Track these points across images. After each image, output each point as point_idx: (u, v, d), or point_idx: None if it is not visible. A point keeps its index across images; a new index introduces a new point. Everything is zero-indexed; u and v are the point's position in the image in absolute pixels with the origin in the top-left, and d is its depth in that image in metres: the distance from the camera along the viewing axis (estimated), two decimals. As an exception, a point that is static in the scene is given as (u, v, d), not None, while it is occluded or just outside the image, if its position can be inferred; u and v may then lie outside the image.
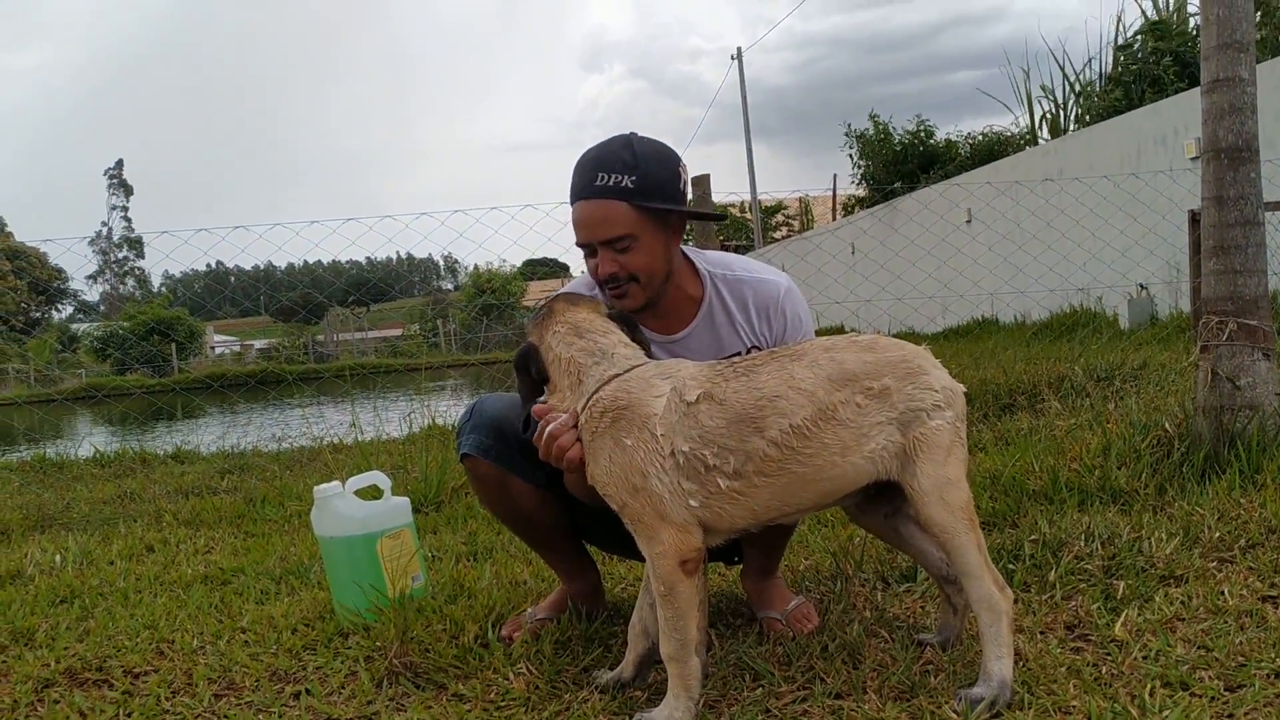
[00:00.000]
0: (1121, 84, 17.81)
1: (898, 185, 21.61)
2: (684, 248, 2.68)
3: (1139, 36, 18.45)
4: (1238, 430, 3.57)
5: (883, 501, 2.40)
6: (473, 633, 2.70)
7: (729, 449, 2.10)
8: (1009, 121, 26.63)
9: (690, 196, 2.72)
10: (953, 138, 25.89)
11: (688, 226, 2.78)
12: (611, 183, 2.42)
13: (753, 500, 2.13)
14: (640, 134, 2.55)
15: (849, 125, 27.41)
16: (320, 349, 44.40)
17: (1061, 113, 21.30)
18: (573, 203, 2.50)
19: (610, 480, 2.15)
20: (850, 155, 27.23)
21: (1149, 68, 17.22)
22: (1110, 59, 19.80)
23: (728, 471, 2.11)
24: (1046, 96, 21.69)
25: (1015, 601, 2.66)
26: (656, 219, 2.48)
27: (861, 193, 27.56)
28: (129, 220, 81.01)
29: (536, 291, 51.91)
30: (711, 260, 2.74)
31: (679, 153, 2.59)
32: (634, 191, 2.43)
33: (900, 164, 25.42)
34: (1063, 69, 21.87)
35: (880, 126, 26.44)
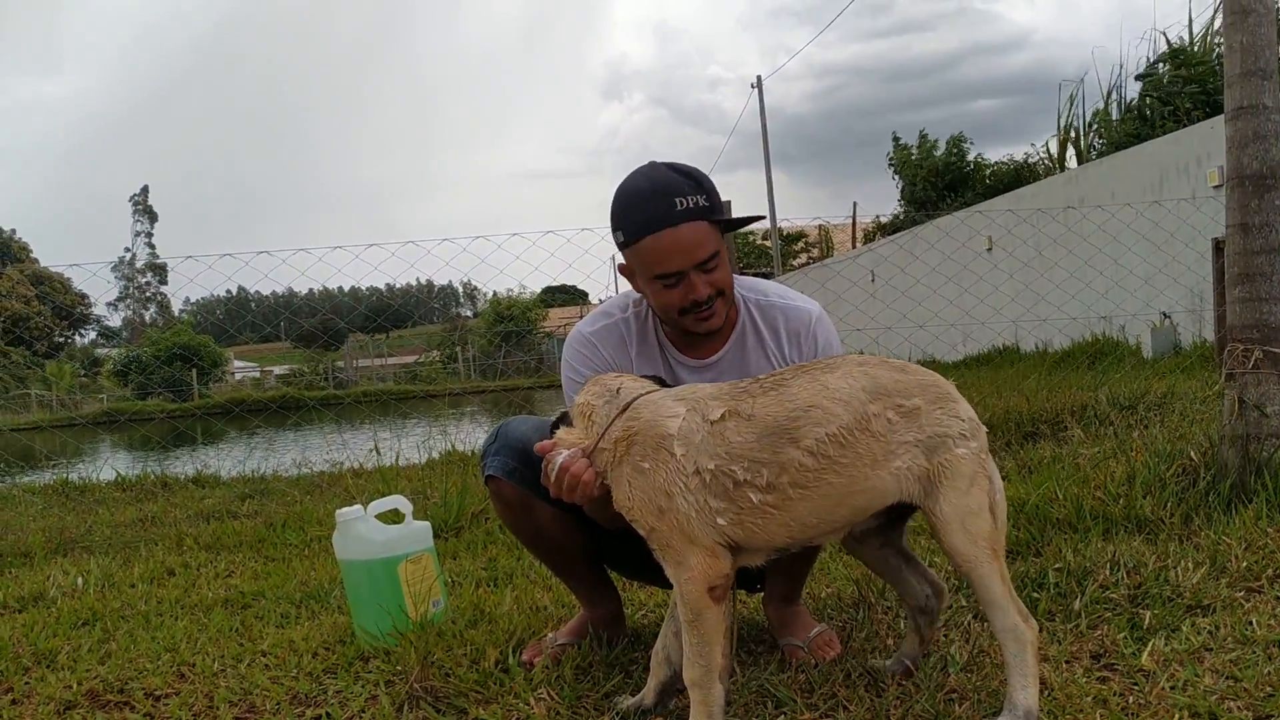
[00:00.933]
0: (1142, 114, 17.81)
1: (942, 206, 21.69)
2: None
3: (1161, 65, 18.45)
4: (1264, 459, 3.53)
5: (878, 532, 2.41)
6: (493, 657, 2.69)
7: (761, 462, 2.09)
8: (1028, 149, 26.74)
9: None
10: (983, 159, 26.07)
11: None
12: (692, 205, 2.40)
13: (787, 514, 2.11)
14: (658, 160, 2.54)
15: (896, 139, 27.66)
16: (340, 375, 44.61)
17: (1083, 140, 21.31)
18: (645, 236, 2.43)
19: (635, 505, 2.15)
20: (893, 167, 27.43)
21: (1170, 96, 17.21)
22: (1127, 89, 19.84)
23: (760, 485, 2.09)
24: (1070, 126, 21.73)
25: (1040, 631, 2.64)
26: (722, 232, 2.49)
27: (891, 217, 27.69)
28: (153, 246, 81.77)
29: (556, 318, 52.07)
30: (743, 284, 2.74)
31: None
32: (709, 209, 2.43)
33: (938, 180, 25.56)
34: (1070, 98, 21.89)
35: (927, 143, 26.64)
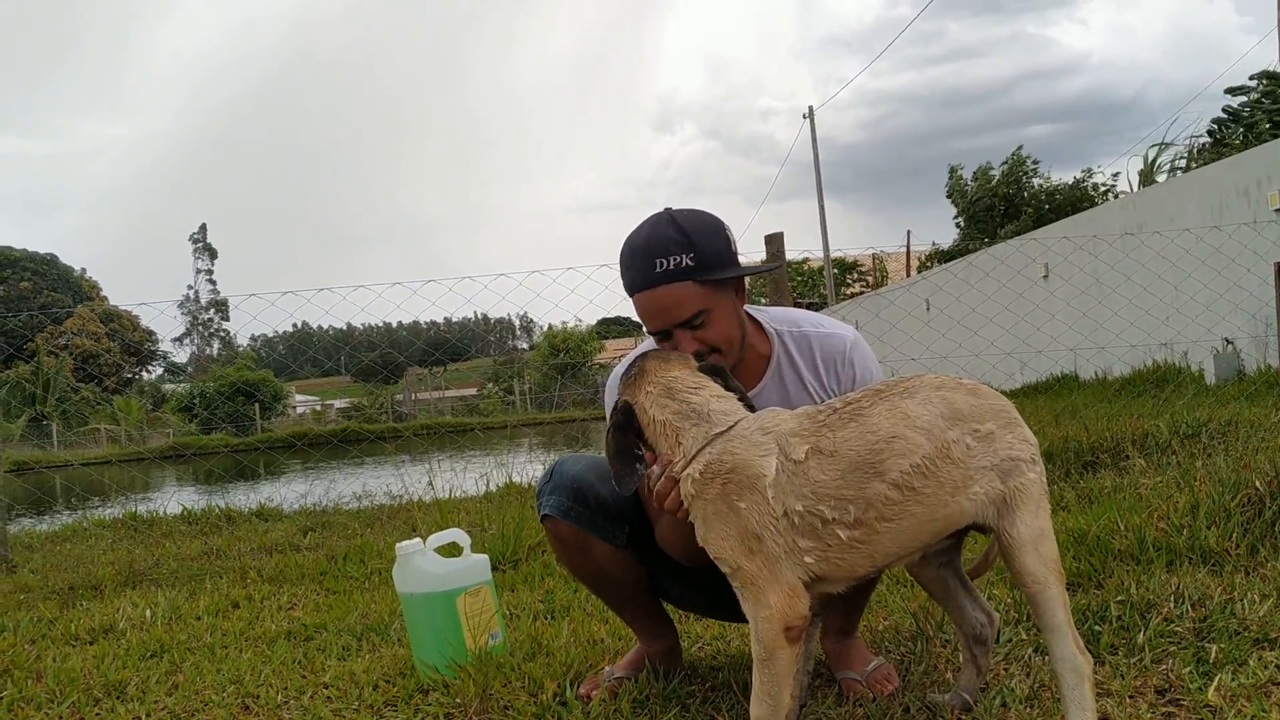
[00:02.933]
0: (1222, 138, 17.55)
1: (1001, 230, 21.49)
2: (749, 307, 2.69)
3: (1257, 81, 18.15)
4: (1333, 489, 3.46)
5: (940, 552, 2.38)
6: (551, 690, 2.72)
7: (847, 499, 2.07)
8: (1090, 172, 26.48)
9: (739, 252, 2.70)
10: (1046, 179, 25.88)
11: (754, 285, 2.80)
12: (672, 266, 2.39)
13: (873, 547, 2.10)
14: (675, 207, 2.52)
15: (954, 167, 27.57)
16: (399, 408, 45.11)
17: (1158, 165, 21.04)
18: (632, 295, 2.47)
19: (725, 544, 2.12)
20: (958, 189, 27.31)
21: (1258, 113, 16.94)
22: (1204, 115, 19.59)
23: (848, 521, 2.07)
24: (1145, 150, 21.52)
25: (1102, 665, 2.61)
26: (722, 288, 2.46)
27: (947, 245, 27.55)
28: (214, 283, 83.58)
29: (613, 350, 52.24)
30: (777, 317, 2.74)
31: (748, 211, 2.61)
32: (695, 269, 2.40)
33: (997, 202, 25.40)
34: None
35: (984, 172, 26.53)
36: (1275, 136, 15.23)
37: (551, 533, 2.78)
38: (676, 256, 2.39)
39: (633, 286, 2.45)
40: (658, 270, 2.39)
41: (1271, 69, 18.30)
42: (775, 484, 2.09)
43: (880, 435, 2.09)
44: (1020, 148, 26.02)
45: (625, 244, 2.49)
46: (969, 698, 2.45)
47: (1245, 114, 17.41)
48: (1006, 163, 26.31)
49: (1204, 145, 18.99)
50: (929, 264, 28.28)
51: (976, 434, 2.11)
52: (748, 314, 2.67)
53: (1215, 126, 18.74)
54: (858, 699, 2.57)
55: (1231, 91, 18.84)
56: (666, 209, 2.51)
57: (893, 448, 2.08)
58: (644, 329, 2.54)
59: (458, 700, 2.73)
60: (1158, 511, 3.85)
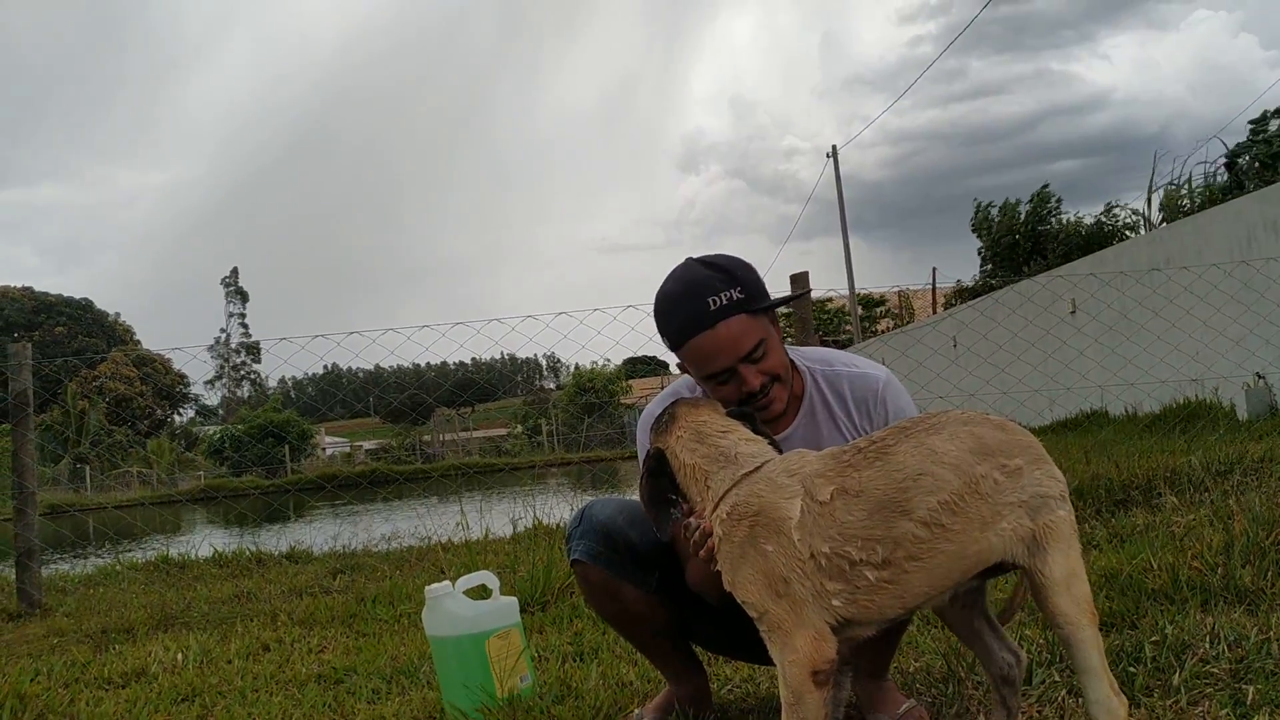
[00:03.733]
0: (1239, 173, 17.50)
1: (1027, 267, 21.42)
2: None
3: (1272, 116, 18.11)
4: (1369, 526, 3.42)
5: (967, 593, 2.35)
6: (581, 733, 2.72)
7: (875, 539, 2.05)
8: (1111, 206, 26.39)
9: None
10: (1070, 216, 25.82)
11: (787, 325, 2.81)
12: (725, 301, 2.41)
13: (902, 587, 2.08)
14: (693, 256, 2.55)
15: (978, 203, 27.59)
16: (427, 449, 45.26)
17: (1183, 200, 20.94)
18: (686, 341, 2.45)
19: (752, 588, 2.12)
20: (984, 223, 27.31)
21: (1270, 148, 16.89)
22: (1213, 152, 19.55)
23: (875, 562, 2.05)
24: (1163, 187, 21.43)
25: (1138, 707, 2.58)
26: (768, 317, 2.50)
27: (973, 281, 27.50)
28: (245, 326, 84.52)
29: (638, 389, 52.29)
30: (809, 356, 2.74)
31: (772, 250, 2.63)
32: (745, 300, 2.43)
33: (1023, 238, 25.35)
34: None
35: (1011, 208, 26.50)
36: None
37: (581, 577, 2.80)
38: (726, 292, 2.41)
39: (685, 332, 2.44)
40: (713, 309, 2.40)
41: None
42: (801, 526, 2.08)
43: (907, 473, 2.07)
44: (1046, 185, 25.99)
45: (662, 299, 2.50)
46: None
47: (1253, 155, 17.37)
48: (1032, 200, 26.29)
49: (1223, 179, 18.92)
50: (954, 301, 28.21)
51: (1005, 469, 2.08)
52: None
53: (1233, 160, 18.69)
54: (889, 742, 2.55)
55: (1255, 123, 18.79)
56: (688, 258, 2.54)
57: (920, 485, 2.06)
58: (690, 371, 2.54)
59: (488, 743, 2.73)
60: (1191, 550, 3.81)
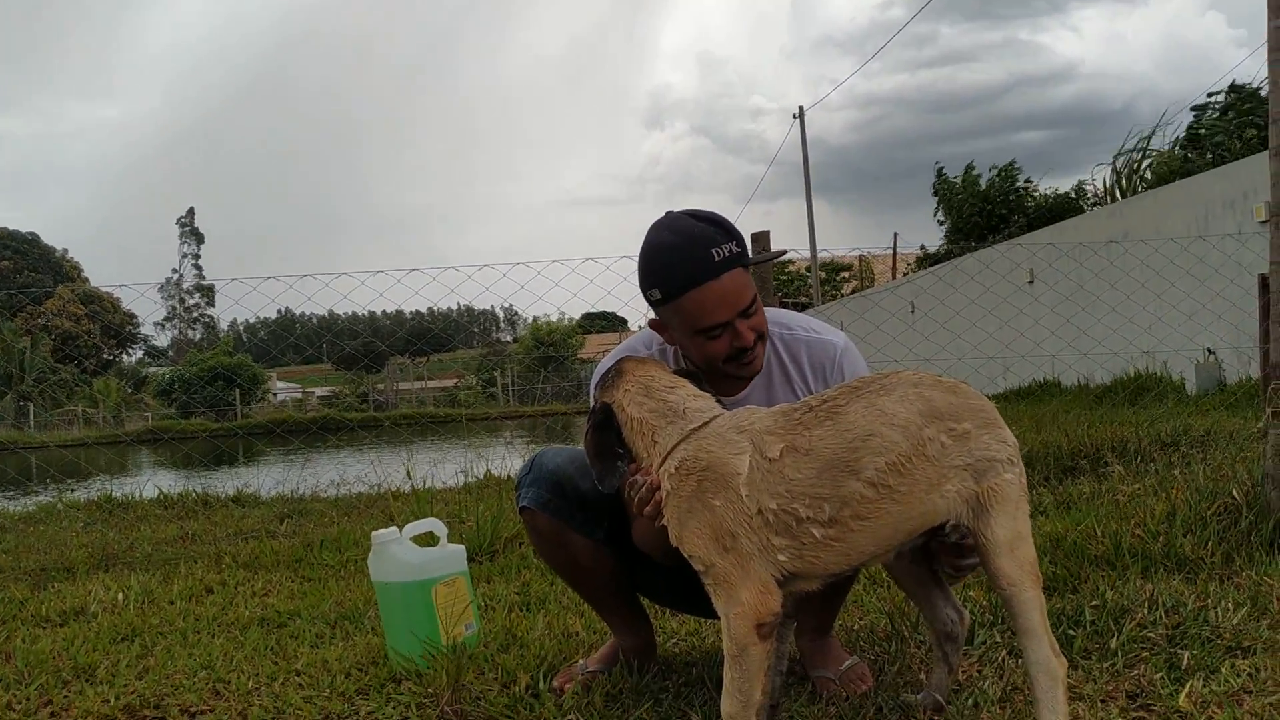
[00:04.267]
0: (1196, 147, 17.70)
1: (986, 237, 21.56)
2: None
3: (1221, 95, 18.32)
4: (1308, 499, 3.48)
5: (915, 550, 2.37)
6: (524, 682, 2.71)
7: (822, 497, 2.07)
8: (1072, 184, 26.55)
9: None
10: (1031, 185, 25.93)
11: None
12: (728, 254, 2.37)
13: (848, 545, 2.10)
14: (672, 209, 2.51)
15: (940, 171, 27.58)
16: (380, 398, 44.98)
17: (1136, 176, 21.16)
18: (687, 291, 2.37)
19: (699, 542, 2.12)
20: (937, 197, 27.37)
21: (1224, 129, 17.09)
22: (1178, 126, 19.73)
23: (822, 520, 2.07)
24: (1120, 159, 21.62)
25: (1075, 669, 2.62)
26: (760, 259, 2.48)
27: (937, 248, 27.64)
28: (200, 268, 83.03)
29: (595, 344, 52.24)
30: (770, 317, 2.70)
31: (736, 209, 2.59)
32: (742, 254, 2.41)
33: (984, 209, 25.45)
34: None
35: (971, 175, 26.54)
36: (1247, 150, 15.35)
37: (529, 525, 2.77)
38: (726, 245, 2.38)
39: (690, 281, 2.36)
40: (717, 260, 2.36)
41: (1251, 84, 18.49)
42: (749, 482, 2.09)
43: (856, 433, 2.08)
44: (1013, 162, 26.08)
45: (657, 249, 2.42)
46: (941, 697, 2.46)
47: (1212, 128, 17.62)
48: (996, 170, 26.39)
49: (1182, 152, 19.14)
50: (917, 269, 28.35)
51: (952, 432, 2.10)
52: None
53: (1193, 134, 18.93)
54: (831, 698, 2.57)
55: (1197, 109, 19.10)
56: (670, 211, 2.50)
57: (868, 445, 2.07)
58: (675, 326, 2.47)
59: (430, 690, 2.71)
60: (1135, 518, 3.86)
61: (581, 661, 2.89)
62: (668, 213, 2.50)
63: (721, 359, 2.45)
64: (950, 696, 2.49)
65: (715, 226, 2.41)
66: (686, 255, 2.37)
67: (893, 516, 2.09)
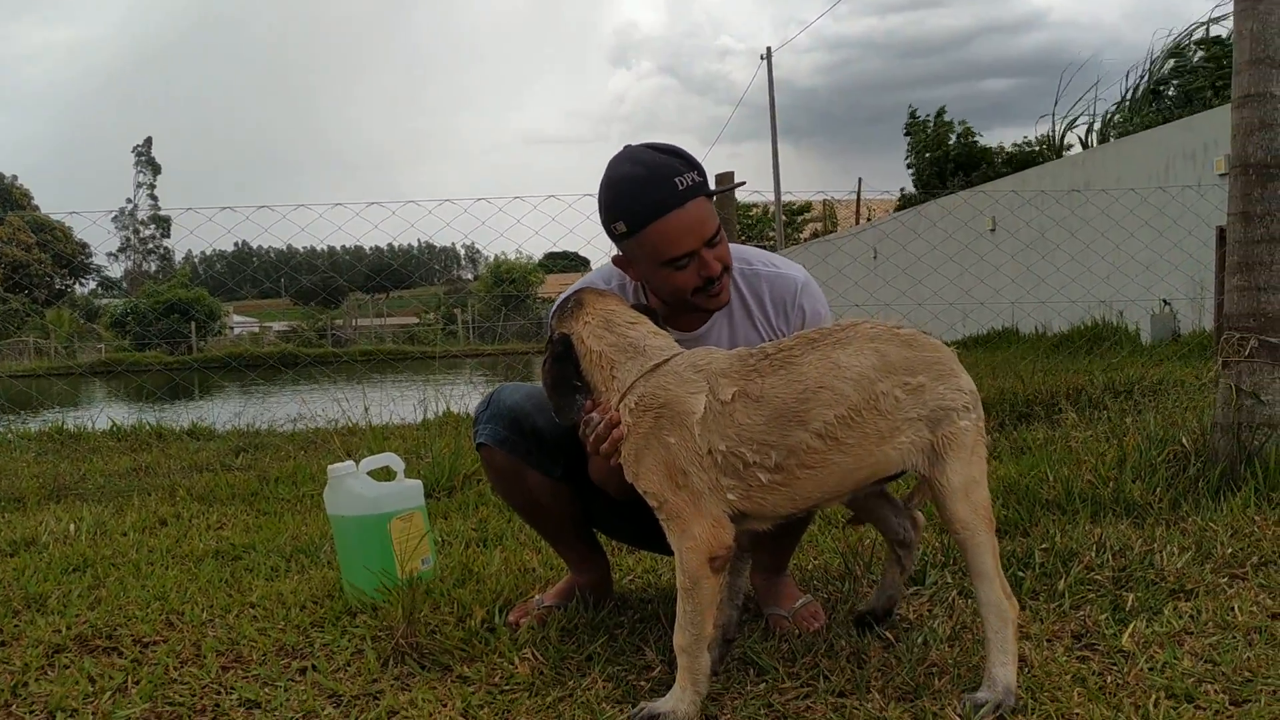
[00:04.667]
0: (1163, 96, 17.76)
1: (950, 186, 21.59)
2: None
3: (1192, 45, 18.34)
4: (1255, 447, 3.54)
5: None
6: (480, 617, 2.71)
7: (769, 444, 2.09)
8: (1042, 132, 26.64)
9: None
10: (990, 145, 26.02)
11: None
12: (691, 183, 2.35)
13: (794, 490, 2.13)
14: (631, 144, 2.48)
15: (913, 112, 27.51)
16: (338, 333, 44.62)
17: (1106, 125, 21.22)
18: (653, 221, 2.35)
19: (654, 478, 2.14)
20: (909, 138, 27.35)
21: (1193, 79, 17.16)
22: (1146, 74, 19.73)
23: (769, 466, 2.10)
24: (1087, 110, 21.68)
25: (1023, 609, 2.66)
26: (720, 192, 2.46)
27: (901, 192, 27.67)
28: (155, 198, 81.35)
29: (555, 284, 52.02)
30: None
31: (701, 150, 2.57)
32: (704, 184, 2.39)
33: (946, 164, 25.49)
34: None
35: (944, 124, 26.49)
36: (1210, 101, 15.43)
37: (486, 461, 2.76)
38: (689, 174, 2.36)
39: (654, 211, 2.34)
40: (681, 189, 2.34)
41: (1218, 34, 18.52)
42: (702, 422, 2.11)
43: (807, 385, 2.10)
44: (964, 123, 26.13)
45: (620, 181, 2.39)
46: (894, 594, 2.56)
47: (1182, 77, 17.70)
48: (962, 123, 26.43)
49: (1146, 105, 19.21)
50: (890, 210, 28.40)
51: (907, 386, 2.12)
52: None
53: (1155, 89, 19.01)
54: (784, 635, 2.60)
55: (1174, 54, 19.07)
56: (628, 145, 2.47)
57: (819, 398, 2.09)
58: (640, 258, 2.44)
59: (385, 623, 2.71)
60: (1086, 464, 3.92)
61: (538, 597, 2.90)
62: (626, 146, 2.47)
63: (689, 291, 2.44)
64: (903, 592, 2.60)
65: (676, 157, 2.40)
66: (650, 185, 2.34)
67: (841, 467, 2.12)
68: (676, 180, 2.34)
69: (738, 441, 2.09)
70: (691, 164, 2.39)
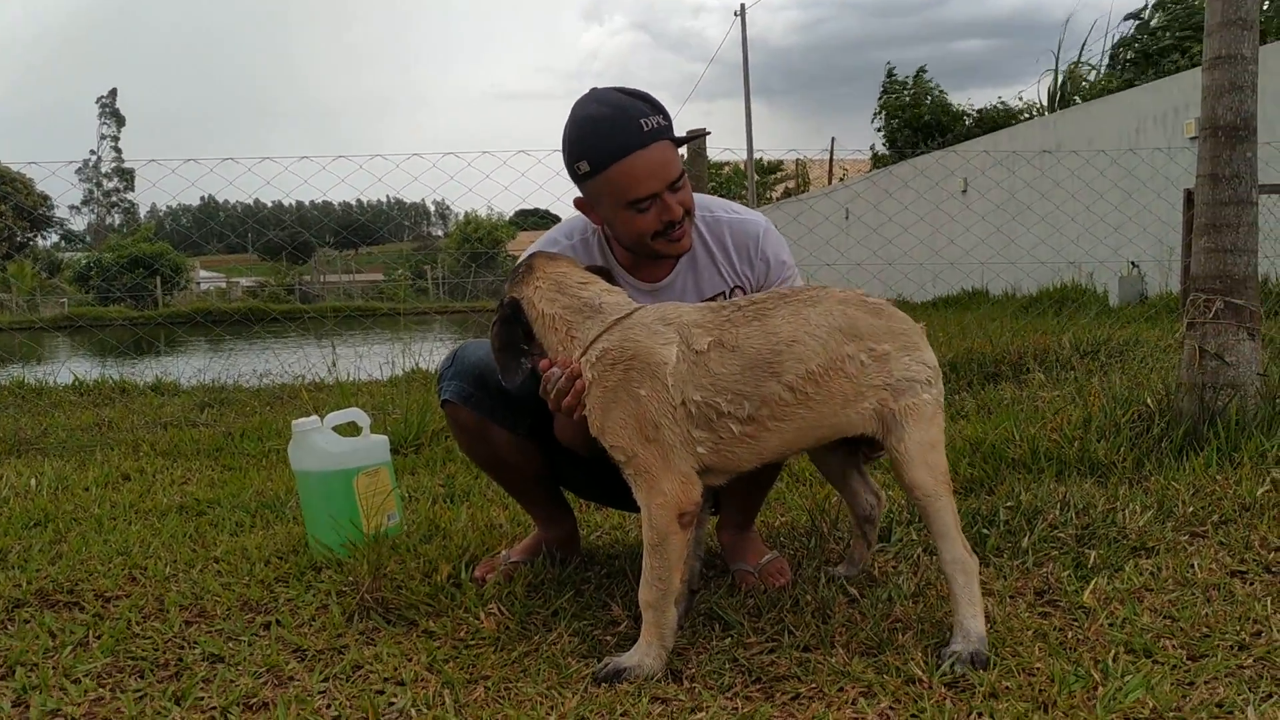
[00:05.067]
0: (1130, 60, 17.80)
1: (921, 148, 21.57)
2: None
3: (1152, 10, 18.37)
4: (1219, 408, 3.58)
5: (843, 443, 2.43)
6: (445, 572, 2.70)
7: (743, 394, 2.11)
8: (1014, 93, 26.72)
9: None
10: (964, 108, 25.99)
11: None
12: (655, 125, 2.34)
13: (761, 443, 2.16)
14: (600, 86, 2.46)
15: (890, 70, 27.41)
16: (306, 289, 44.21)
17: (1076, 88, 21.24)
18: (617, 161, 2.33)
19: (622, 432, 2.13)
20: (882, 99, 27.27)
21: (1156, 41, 17.19)
22: (1114, 37, 19.75)
23: (741, 417, 2.12)
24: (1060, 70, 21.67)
25: (987, 566, 2.69)
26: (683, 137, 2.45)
27: (869, 157, 27.61)
28: (119, 151, 79.86)
29: (525, 241, 51.70)
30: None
31: (674, 108, 2.55)
32: (668, 128, 2.38)
33: (919, 127, 25.47)
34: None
35: (925, 84, 26.42)
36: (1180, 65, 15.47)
37: (451, 418, 2.74)
38: (654, 117, 2.35)
39: (618, 151, 2.33)
40: (646, 130, 2.33)
41: None
42: (676, 372, 2.11)
43: (781, 337, 2.12)
44: (932, 83, 26.04)
45: (587, 120, 2.37)
46: (859, 568, 2.66)
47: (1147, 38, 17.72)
48: (927, 84, 26.33)
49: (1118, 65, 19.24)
50: (856, 170, 28.35)
51: (872, 353, 2.15)
52: None
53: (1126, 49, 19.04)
54: (750, 590, 2.61)
55: (1133, 15, 19.14)
56: (595, 88, 2.45)
57: (792, 351, 2.12)
58: (604, 201, 2.42)
59: (350, 578, 2.70)
60: (1052, 424, 3.95)
61: (504, 552, 2.90)
62: (593, 89, 2.45)
63: (650, 234, 2.42)
64: (867, 564, 2.68)
65: (642, 100, 2.38)
66: (615, 126, 2.33)
67: (805, 422, 2.15)
68: (642, 121, 2.33)
69: (713, 391, 2.11)
70: (657, 108, 2.38)
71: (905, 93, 26.78)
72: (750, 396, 2.11)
